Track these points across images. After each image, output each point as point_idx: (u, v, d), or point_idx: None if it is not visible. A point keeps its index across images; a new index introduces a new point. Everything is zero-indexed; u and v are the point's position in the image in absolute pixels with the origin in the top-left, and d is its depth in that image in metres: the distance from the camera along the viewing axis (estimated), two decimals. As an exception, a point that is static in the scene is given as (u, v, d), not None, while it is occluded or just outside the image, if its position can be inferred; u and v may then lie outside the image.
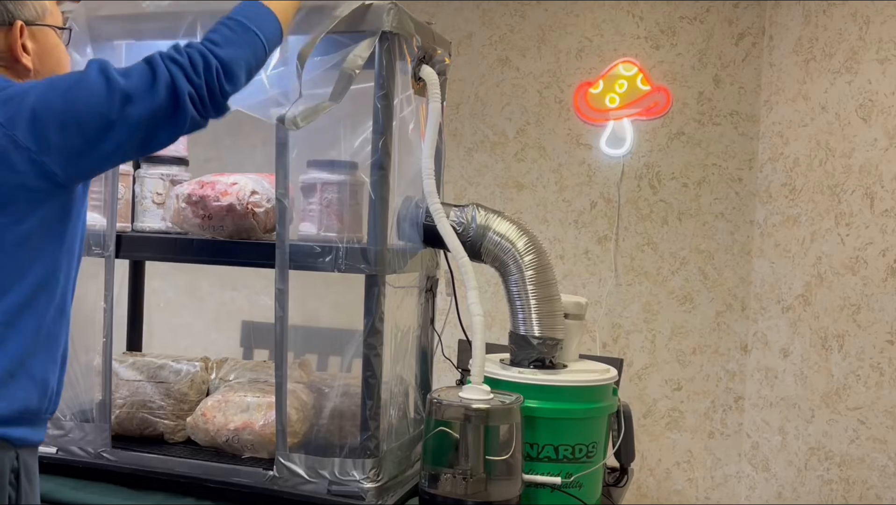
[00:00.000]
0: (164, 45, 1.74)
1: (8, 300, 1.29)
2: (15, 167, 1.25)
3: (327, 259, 1.63)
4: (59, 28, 1.42)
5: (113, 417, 1.82)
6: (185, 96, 1.29)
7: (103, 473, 1.77)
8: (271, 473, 1.67)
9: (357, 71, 1.58)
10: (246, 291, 3.69)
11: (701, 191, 3.41)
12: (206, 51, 1.33)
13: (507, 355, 1.84)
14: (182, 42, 1.34)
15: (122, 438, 1.83)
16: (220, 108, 1.36)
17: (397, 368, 1.76)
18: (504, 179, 3.65)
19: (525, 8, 3.60)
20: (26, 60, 1.36)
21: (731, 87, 3.37)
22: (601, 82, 3.44)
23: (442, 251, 1.91)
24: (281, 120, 1.56)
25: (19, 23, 1.35)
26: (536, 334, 1.75)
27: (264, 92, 1.61)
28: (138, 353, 2.09)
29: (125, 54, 1.78)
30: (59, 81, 1.30)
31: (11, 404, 1.30)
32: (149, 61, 1.31)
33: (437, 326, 1.98)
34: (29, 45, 1.37)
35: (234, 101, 1.48)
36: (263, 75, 1.61)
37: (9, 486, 1.30)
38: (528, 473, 1.66)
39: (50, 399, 1.39)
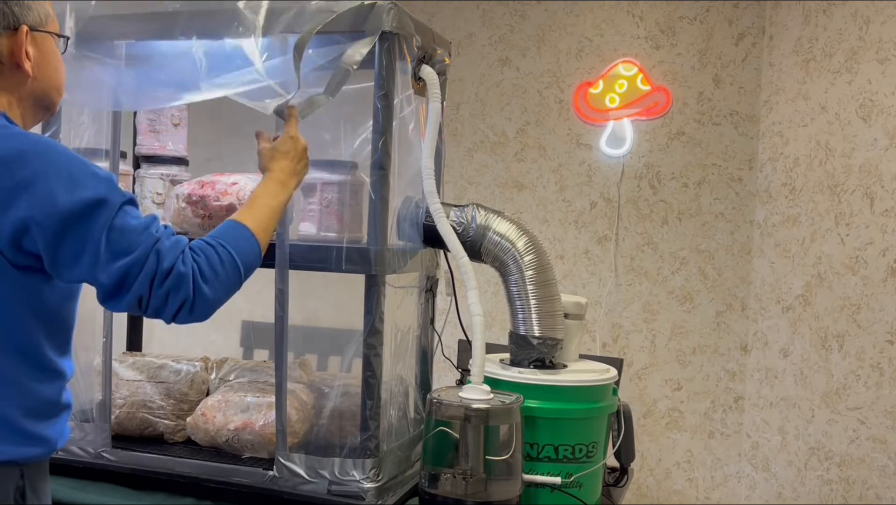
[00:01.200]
0: (163, 45, 1.75)
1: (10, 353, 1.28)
2: None
3: (327, 259, 1.64)
4: (59, 36, 1.40)
5: (113, 417, 1.82)
6: (135, 296, 1.26)
7: (103, 473, 1.77)
8: (271, 473, 1.67)
9: (354, 67, 1.58)
10: (246, 291, 3.69)
11: (701, 191, 3.41)
12: (191, 278, 1.28)
13: (507, 355, 1.84)
14: (185, 244, 1.31)
15: (122, 438, 1.83)
16: (162, 319, 1.31)
17: (397, 367, 1.76)
18: (504, 179, 3.65)
19: (525, 8, 3.60)
20: (28, 66, 1.33)
21: (731, 87, 3.37)
22: (601, 82, 3.44)
23: (442, 251, 1.91)
24: (278, 112, 1.56)
25: (25, 27, 1.32)
26: (536, 334, 1.75)
27: (260, 81, 1.60)
28: (138, 353, 2.09)
29: (124, 54, 1.78)
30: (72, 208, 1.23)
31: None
32: (146, 229, 1.26)
33: (437, 326, 1.98)
34: (31, 51, 1.33)
35: (230, 90, 1.48)
36: (259, 65, 1.61)
37: None
38: (528, 473, 1.66)
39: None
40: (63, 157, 1.25)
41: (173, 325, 1.32)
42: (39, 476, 1.35)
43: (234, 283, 1.35)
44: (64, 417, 1.38)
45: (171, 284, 1.26)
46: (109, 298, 1.27)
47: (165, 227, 1.31)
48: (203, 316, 1.32)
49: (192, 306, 1.28)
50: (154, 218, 1.29)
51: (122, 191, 1.27)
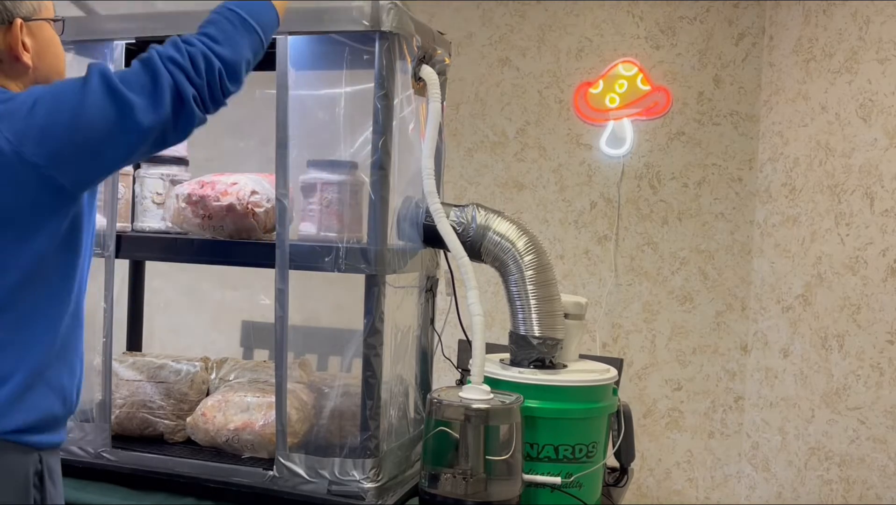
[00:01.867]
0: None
1: (23, 313, 1.29)
2: (22, 184, 1.23)
3: (327, 259, 1.63)
4: (54, 20, 1.41)
5: (113, 417, 1.82)
6: (190, 100, 1.28)
7: (103, 473, 1.77)
8: (271, 473, 1.67)
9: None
10: (246, 291, 3.69)
11: (701, 191, 3.41)
12: (208, 49, 1.30)
13: (507, 355, 1.84)
14: (180, 37, 1.32)
15: (122, 438, 1.83)
16: (220, 105, 1.35)
17: (397, 368, 1.75)
18: (504, 179, 3.65)
19: (525, 8, 3.60)
20: (27, 58, 1.34)
21: (731, 87, 3.37)
22: (601, 82, 3.44)
23: (442, 251, 1.91)
24: None
25: (19, 20, 1.33)
26: (536, 334, 1.75)
27: None
28: (138, 353, 2.09)
29: (124, 54, 1.78)
30: (65, 95, 1.27)
31: (31, 414, 1.30)
32: (148, 64, 1.28)
33: (437, 326, 1.98)
34: (28, 41, 1.34)
35: None
36: None
37: (33, 488, 1.30)
38: (528, 473, 1.66)
39: (69, 404, 1.39)
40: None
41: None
42: (55, 463, 1.37)
43: (252, 42, 1.36)
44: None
45: (201, 66, 1.28)
46: (175, 125, 1.29)
47: (152, 46, 1.32)
48: (240, 77, 1.35)
49: (226, 74, 1.31)
50: (138, 57, 1.32)
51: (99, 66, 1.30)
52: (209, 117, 1.37)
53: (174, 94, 1.27)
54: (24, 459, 1.29)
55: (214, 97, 1.32)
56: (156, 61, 1.28)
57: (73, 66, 1.81)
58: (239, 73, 1.34)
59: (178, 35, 1.32)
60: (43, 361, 1.31)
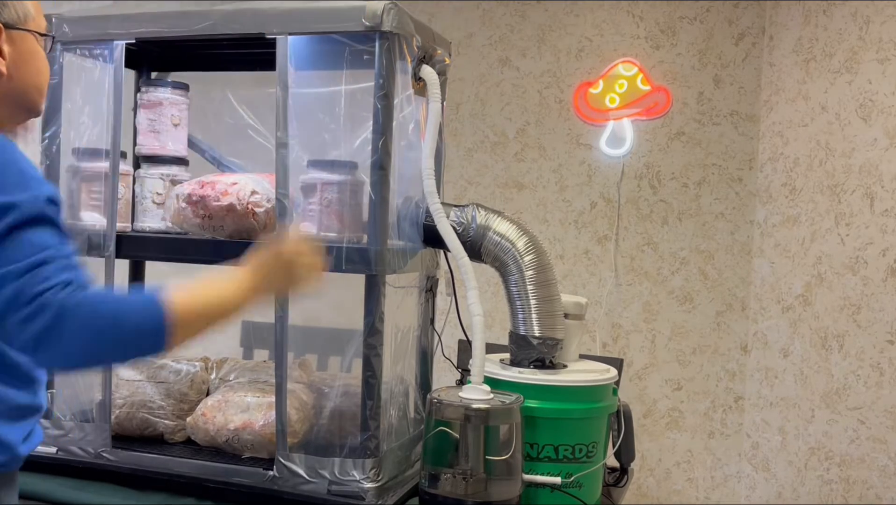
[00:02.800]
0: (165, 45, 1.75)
1: None
2: None
3: (327, 259, 1.63)
4: (42, 35, 1.34)
5: (113, 417, 1.82)
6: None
7: (103, 473, 1.77)
8: (271, 473, 1.67)
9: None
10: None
11: (701, 191, 3.41)
12: (61, 302, 1.11)
13: (507, 355, 1.84)
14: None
15: (122, 438, 1.83)
16: (13, 346, 1.15)
17: (397, 368, 1.75)
18: (504, 179, 3.65)
19: (525, 8, 3.60)
20: (2, 66, 1.27)
21: (731, 87, 3.37)
22: (601, 82, 3.44)
23: (442, 251, 1.91)
24: None
25: None
26: (536, 334, 1.75)
27: None
28: (138, 353, 2.09)
29: (125, 54, 1.78)
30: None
31: None
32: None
33: (437, 326, 1.98)
34: (5, 48, 1.27)
35: None
36: None
37: None
38: (528, 473, 1.66)
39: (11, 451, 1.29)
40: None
41: None
42: (5, 488, 1.30)
43: (109, 345, 1.15)
44: (33, 419, 1.32)
45: (30, 310, 1.10)
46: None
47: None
48: (46, 358, 1.15)
49: (40, 342, 1.11)
50: (64, 246, 1.16)
51: (22, 195, 1.15)
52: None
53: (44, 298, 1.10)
54: None
55: (13, 338, 1.13)
56: (39, 258, 1.13)
57: (73, 66, 1.81)
58: (54, 354, 1.13)
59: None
60: None
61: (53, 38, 1.39)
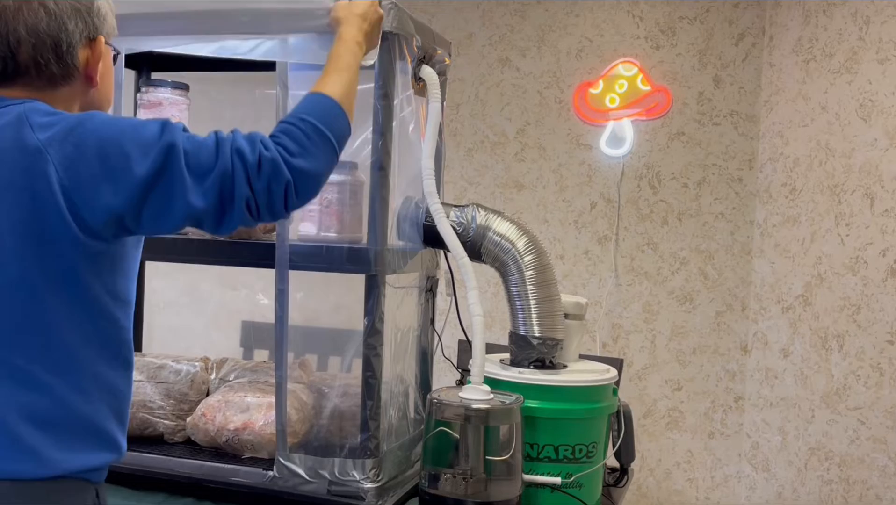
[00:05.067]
0: (165, 45, 1.75)
1: (58, 355, 1.20)
2: (55, 216, 1.16)
3: (327, 259, 1.63)
4: (116, 51, 1.37)
5: (113, 417, 1.82)
6: (241, 202, 1.21)
7: (103, 473, 1.77)
8: (271, 473, 1.67)
9: (370, 62, 1.59)
10: (246, 291, 3.69)
11: (701, 191, 3.41)
12: (281, 159, 1.22)
13: (507, 355, 1.84)
14: (258, 136, 1.24)
15: (122, 438, 1.83)
16: (279, 217, 1.27)
17: (397, 368, 1.75)
18: (504, 179, 3.65)
19: (525, 8, 3.60)
20: (98, 79, 1.29)
21: (731, 87, 3.37)
22: (601, 82, 3.44)
23: (442, 251, 1.91)
24: None
25: (102, 39, 1.28)
26: (536, 334, 1.75)
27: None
28: (138, 353, 2.09)
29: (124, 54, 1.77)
30: (121, 128, 1.19)
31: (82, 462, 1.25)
32: (219, 146, 1.21)
33: (437, 326, 1.98)
34: (100, 63, 1.29)
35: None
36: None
37: None
38: (528, 474, 1.66)
39: (116, 449, 1.32)
40: (116, 123, 1.21)
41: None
42: (106, 492, 1.32)
43: (328, 153, 1.29)
44: (127, 410, 1.33)
45: (267, 171, 1.20)
46: (219, 220, 1.22)
47: (233, 130, 1.25)
48: (311, 193, 1.28)
49: (296, 187, 1.23)
50: (216, 131, 1.24)
51: (175, 124, 1.22)
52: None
53: (227, 188, 1.20)
54: (80, 491, 1.25)
55: (273, 208, 1.24)
56: (225, 148, 1.21)
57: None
58: (312, 186, 1.28)
59: (258, 134, 1.25)
60: (85, 405, 1.26)
61: (118, 54, 1.39)
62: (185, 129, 1.22)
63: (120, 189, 1.16)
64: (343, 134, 1.34)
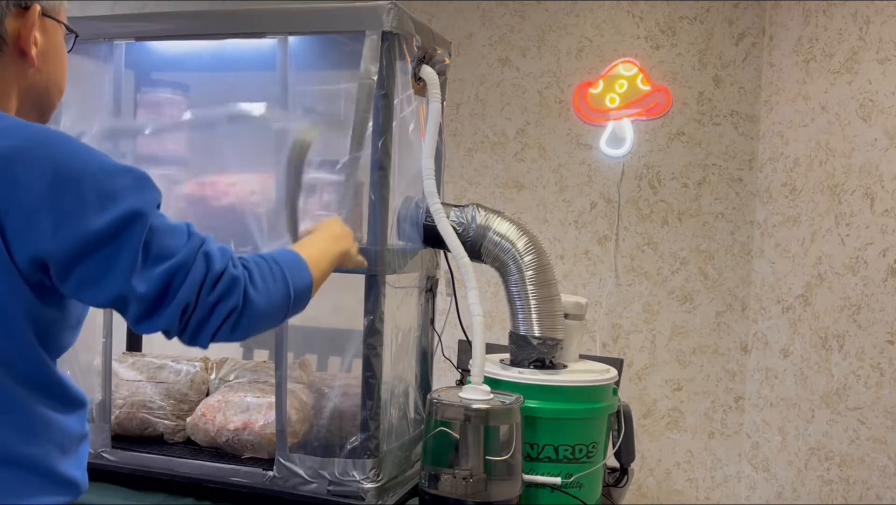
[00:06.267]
0: (165, 46, 1.75)
1: None
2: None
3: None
4: (69, 30, 1.23)
5: (113, 417, 1.82)
6: (181, 305, 1.07)
7: (103, 473, 1.77)
8: (271, 473, 1.67)
9: (374, 77, 1.58)
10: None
11: (701, 191, 3.41)
12: (241, 282, 1.12)
13: (507, 355, 1.84)
14: (233, 251, 1.16)
15: (122, 438, 1.83)
16: (199, 340, 1.12)
17: (397, 368, 1.75)
18: (504, 179, 3.65)
19: (525, 8, 3.60)
20: (33, 53, 1.15)
21: (731, 87, 3.37)
22: (601, 82, 3.44)
23: (442, 251, 1.91)
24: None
25: (37, 7, 1.14)
26: (536, 334, 1.75)
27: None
28: (138, 353, 2.09)
29: (125, 54, 1.77)
30: (87, 165, 1.05)
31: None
32: (190, 234, 1.11)
33: (437, 326, 1.98)
34: (39, 37, 1.15)
35: None
36: None
37: None
38: (528, 474, 1.66)
39: (72, 490, 1.19)
40: (84, 157, 1.06)
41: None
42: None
43: (282, 303, 1.19)
44: (85, 447, 1.23)
45: (223, 288, 1.09)
46: (148, 314, 1.08)
47: (207, 234, 1.15)
48: (246, 331, 1.14)
49: (238, 318, 1.11)
50: (188, 223, 1.13)
51: (155, 187, 1.10)
52: None
53: (175, 285, 1.07)
54: None
55: (204, 328, 1.10)
56: (195, 243, 1.10)
57: (72, 66, 1.80)
58: (251, 324, 1.14)
59: (231, 249, 1.16)
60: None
61: (77, 35, 1.25)
62: (159, 205, 1.11)
63: (60, 234, 1.02)
64: (303, 292, 1.23)
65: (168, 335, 1.12)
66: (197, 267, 1.08)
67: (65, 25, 1.22)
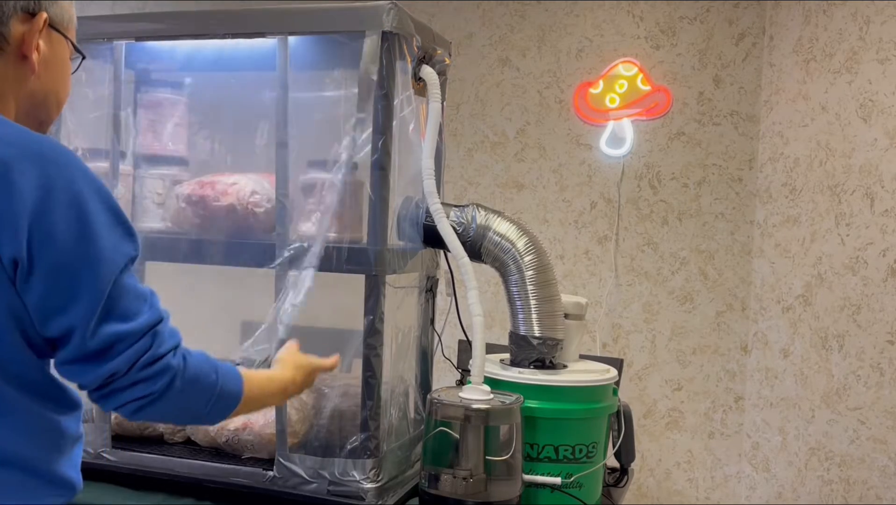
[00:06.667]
0: (165, 46, 1.75)
1: None
2: None
3: (327, 259, 1.63)
4: (76, 50, 1.25)
5: (113, 417, 1.82)
6: (110, 371, 1.09)
7: (103, 473, 1.77)
8: (271, 473, 1.67)
9: (374, 76, 1.59)
10: (246, 291, 3.68)
11: (701, 191, 3.41)
12: (173, 377, 1.12)
13: (507, 355, 1.84)
14: (181, 343, 1.17)
15: (122, 438, 1.83)
16: (110, 405, 1.12)
17: (397, 368, 1.75)
18: (504, 179, 3.65)
19: (525, 8, 3.60)
20: (34, 59, 1.16)
21: (731, 87, 3.37)
22: (601, 82, 3.44)
23: (442, 251, 1.91)
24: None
25: (44, 15, 1.17)
26: (536, 334, 1.75)
27: None
28: (138, 353, 2.09)
29: (124, 54, 1.78)
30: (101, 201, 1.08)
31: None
32: (151, 306, 1.13)
33: (437, 326, 1.98)
34: (42, 45, 1.17)
35: None
36: None
37: None
38: (528, 474, 1.66)
39: (68, 490, 1.21)
40: (80, 182, 1.08)
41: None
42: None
43: (197, 411, 1.19)
44: (80, 448, 1.24)
45: (153, 371, 1.10)
46: (80, 362, 1.09)
47: (167, 316, 1.17)
48: (147, 417, 1.15)
49: (148, 404, 1.12)
50: (153, 292, 1.15)
51: (136, 243, 1.13)
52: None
53: (118, 349, 1.09)
54: None
55: (118, 396, 1.11)
56: (153, 318, 1.12)
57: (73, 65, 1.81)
58: (156, 416, 1.16)
59: (180, 341, 1.17)
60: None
61: (84, 58, 1.27)
62: (133, 260, 1.13)
63: (39, 244, 1.05)
64: (221, 412, 1.23)
65: (81, 387, 1.14)
66: (142, 342, 1.10)
67: (72, 44, 1.24)
